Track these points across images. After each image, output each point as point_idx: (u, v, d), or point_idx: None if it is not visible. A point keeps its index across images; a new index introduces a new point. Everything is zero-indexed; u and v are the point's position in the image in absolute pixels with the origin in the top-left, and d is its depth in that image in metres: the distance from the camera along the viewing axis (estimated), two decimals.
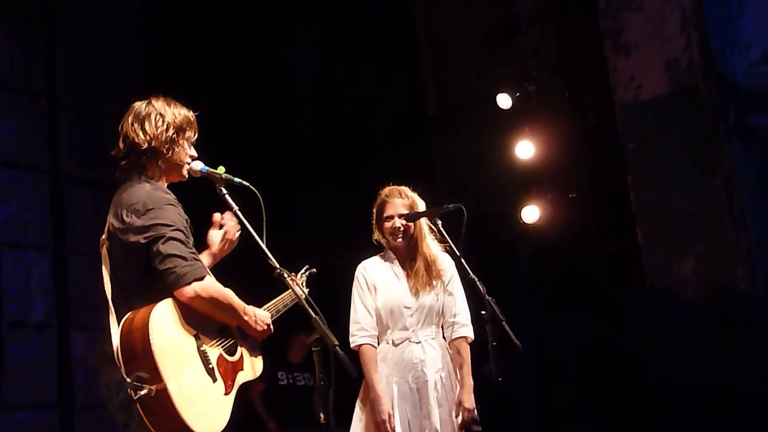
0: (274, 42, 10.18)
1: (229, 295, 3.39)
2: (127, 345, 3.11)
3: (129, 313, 3.17)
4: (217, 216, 3.76)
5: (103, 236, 3.41)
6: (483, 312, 4.08)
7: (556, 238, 8.43)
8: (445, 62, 9.88)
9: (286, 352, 8.43)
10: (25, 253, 6.63)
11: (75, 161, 7.07)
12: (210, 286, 3.29)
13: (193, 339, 3.26)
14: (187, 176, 3.57)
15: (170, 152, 3.47)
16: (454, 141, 9.62)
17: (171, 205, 3.35)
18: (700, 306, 6.06)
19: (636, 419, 5.32)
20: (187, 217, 3.40)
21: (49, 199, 6.90)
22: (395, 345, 4.49)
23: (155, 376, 3.05)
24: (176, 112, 3.50)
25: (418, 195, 4.65)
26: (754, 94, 6.85)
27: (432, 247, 4.60)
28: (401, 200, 4.57)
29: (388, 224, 4.57)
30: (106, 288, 3.30)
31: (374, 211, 4.65)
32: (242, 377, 3.48)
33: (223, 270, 3.65)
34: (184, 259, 3.22)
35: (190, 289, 3.20)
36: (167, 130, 3.45)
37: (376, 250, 4.72)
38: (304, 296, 3.46)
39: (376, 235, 4.67)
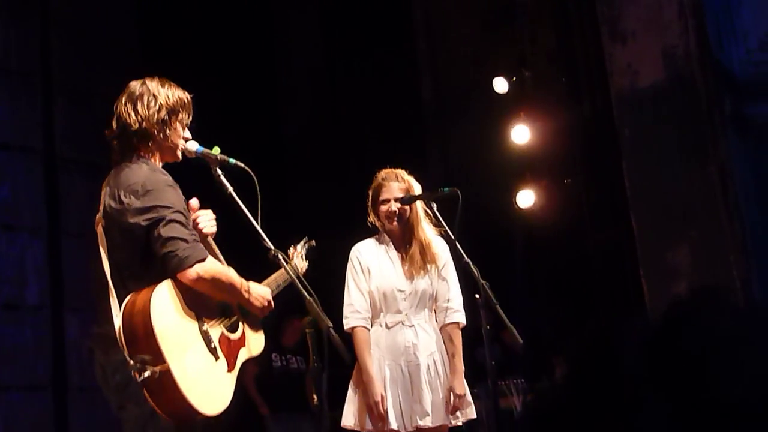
0: (269, 29, 10.15)
1: (230, 274, 3.39)
2: (129, 328, 3.11)
3: (129, 296, 3.17)
4: (193, 202, 3.57)
5: (99, 215, 3.39)
6: (477, 296, 4.08)
7: (550, 224, 8.45)
8: (441, 49, 9.87)
9: (278, 336, 8.44)
10: (20, 234, 6.63)
11: (69, 143, 7.05)
12: (212, 267, 3.28)
13: (194, 319, 3.27)
14: (181, 157, 3.55)
15: (161, 134, 3.44)
16: (450, 127, 9.62)
17: (170, 186, 3.34)
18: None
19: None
20: (185, 198, 3.40)
21: (44, 181, 6.89)
22: (388, 328, 4.49)
23: (158, 358, 3.05)
24: (170, 94, 3.47)
25: (414, 179, 4.65)
26: (750, 83, 6.83)
27: (427, 231, 4.59)
28: (398, 184, 4.56)
29: (383, 208, 4.56)
30: (105, 268, 3.29)
31: (370, 193, 4.65)
32: (244, 354, 3.50)
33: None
34: (186, 241, 3.22)
35: (193, 272, 3.20)
36: (159, 111, 3.42)
37: (370, 235, 4.72)
38: (297, 273, 3.46)
39: (371, 218, 4.66)
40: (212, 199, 3.60)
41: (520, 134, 8.71)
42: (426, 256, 4.55)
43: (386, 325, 4.50)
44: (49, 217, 6.84)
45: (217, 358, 3.31)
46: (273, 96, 10.11)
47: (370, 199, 4.65)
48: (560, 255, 8.55)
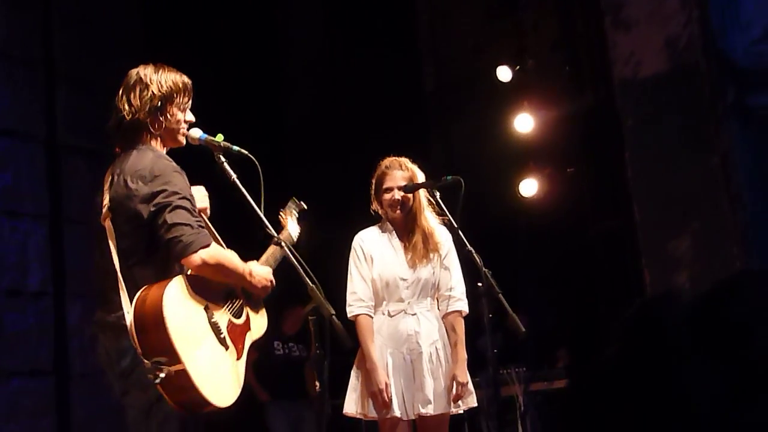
0: (272, 18, 10.13)
1: (233, 259, 3.40)
2: (141, 326, 3.11)
3: (140, 293, 3.16)
4: None
5: (105, 209, 3.39)
6: (479, 284, 4.09)
7: (553, 213, 8.46)
8: (444, 38, 9.86)
9: (281, 324, 8.45)
10: (22, 221, 6.63)
11: (72, 131, 7.05)
12: (215, 252, 3.28)
13: (203, 312, 3.28)
14: (184, 142, 3.55)
15: (156, 123, 3.43)
16: (452, 117, 9.62)
17: (176, 172, 3.34)
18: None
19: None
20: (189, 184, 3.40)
21: (46, 169, 6.89)
22: (390, 316, 4.50)
23: (173, 357, 3.06)
24: (162, 80, 3.45)
25: (418, 168, 4.65)
26: (753, 73, 6.82)
27: (430, 219, 4.60)
28: (401, 172, 4.56)
29: (387, 196, 4.56)
30: (114, 261, 3.29)
31: (373, 181, 4.65)
32: (250, 338, 3.52)
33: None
34: (191, 227, 3.22)
35: (197, 257, 3.20)
36: (152, 100, 3.40)
37: (372, 223, 4.72)
38: (300, 260, 3.47)
39: (374, 206, 4.66)
40: (215, 185, 3.61)
41: (523, 123, 8.71)
42: (429, 245, 4.55)
43: (389, 313, 4.51)
44: (51, 203, 6.85)
45: (227, 347, 3.33)
46: (275, 84, 10.10)
47: (373, 187, 4.65)
48: (562, 244, 8.56)
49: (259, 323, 3.60)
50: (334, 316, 3.32)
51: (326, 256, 4.99)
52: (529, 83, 8.75)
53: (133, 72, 3.48)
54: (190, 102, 3.54)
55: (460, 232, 4.23)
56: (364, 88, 9.57)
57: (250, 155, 3.55)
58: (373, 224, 4.70)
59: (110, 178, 3.41)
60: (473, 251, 4.15)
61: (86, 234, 5.63)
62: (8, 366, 6.36)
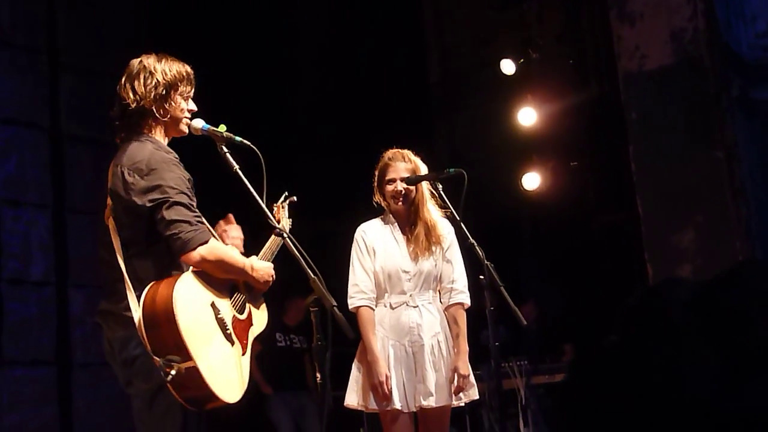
0: (276, 8, 10.11)
1: (233, 254, 3.41)
2: (151, 324, 3.12)
3: (148, 289, 3.17)
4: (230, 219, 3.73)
5: (107, 208, 3.39)
6: (481, 277, 4.08)
7: (556, 206, 8.45)
8: (448, 29, 9.84)
9: (282, 316, 8.46)
10: (25, 210, 6.64)
11: (75, 119, 7.06)
12: (215, 248, 3.29)
13: (210, 309, 3.30)
14: (186, 131, 3.55)
15: (161, 110, 3.44)
16: (457, 109, 9.61)
17: (175, 165, 3.34)
18: None
19: None
20: (190, 176, 3.40)
21: (49, 157, 6.89)
22: (392, 308, 4.50)
23: (184, 355, 3.08)
24: (167, 69, 3.46)
25: (421, 160, 4.63)
26: (758, 66, 6.81)
27: (432, 212, 4.58)
28: (404, 164, 4.55)
29: (389, 187, 4.55)
30: (118, 257, 3.28)
31: (376, 173, 4.63)
32: (252, 333, 3.54)
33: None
34: (189, 224, 3.23)
35: (196, 254, 3.21)
36: (156, 87, 3.41)
37: (375, 215, 4.72)
38: (301, 251, 3.47)
39: (377, 198, 4.65)
40: (218, 176, 3.61)
41: (527, 116, 8.69)
42: (431, 237, 4.54)
43: (391, 305, 4.50)
44: (54, 193, 6.86)
45: (232, 343, 3.35)
46: (279, 75, 10.09)
47: (376, 178, 4.64)
48: (566, 237, 8.55)
49: (260, 318, 3.63)
50: (335, 308, 3.32)
51: (328, 247, 4.98)
52: (533, 76, 8.73)
53: (136, 61, 3.49)
54: (193, 92, 3.55)
55: (463, 225, 4.22)
56: (369, 78, 9.56)
57: (252, 146, 3.54)
58: (375, 216, 4.69)
59: (112, 169, 3.41)
60: (475, 244, 4.14)
61: (89, 224, 5.64)
62: (10, 355, 6.38)
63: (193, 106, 3.55)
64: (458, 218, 4.25)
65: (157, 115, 3.43)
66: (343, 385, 4.56)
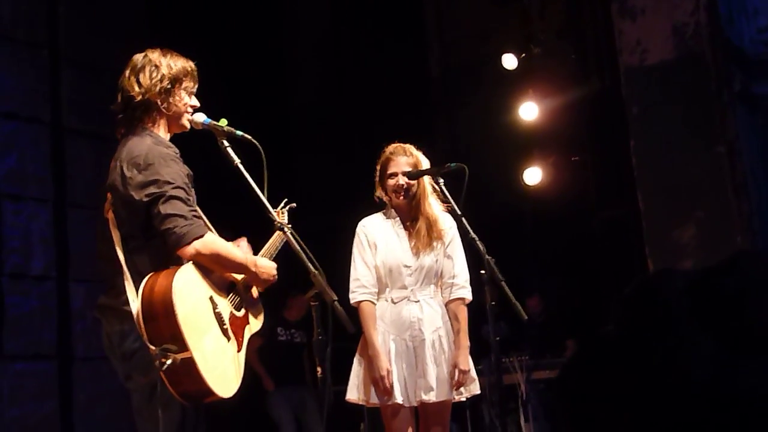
0: (278, 3, 10.11)
1: (230, 249, 3.40)
2: (149, 314, 3.12)
3: (147, 280, 3.17)
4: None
5: (107, 202, 3.39)
6: (482, 271, 4.08)
7: (557, 201, 8.44)
8: (450, 23, 9.83)
9: (283, 310, 8.47)
10: (26, 204, 6.63)
11: (76, 114, 7.05)
12: (211, 242, 3.29)
13: (208, 302, 3.30)
14: (188, 127, 3.55)
15: (165, 103, 3.45)
16: (458, 103, 9.60)
17: (172, 160, 3.34)
18: None
19: None
20: (189, 171, 3.40)
21: (50, 152, 6.89)
22: (394, 303, 4.50)
23: (180, 345, 3.07)
24: (172, 63, 3.48)
25: (422, 154, 4.63)
26: (760, 61, 6.81)
27: (434, 206, 4.58)
28: (406, 158, 4.54)
29: (391, 182, 4.55)
30: (117, 250, 3.29)
31: (377, 167, 4.63)
32: (248, 331, 3.54)
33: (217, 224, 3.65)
34: (184, 218, 3.22)
35: (192, 248, 3.21)
36: (162, 81, 3.42)
37: (376, 210, 4.71)
38: (303, 246, 3.47)
39: (379, 192, 4.65)
40: (219, 170, 3.60)
41: (528, 111, 8.69)
42: (432, 232, 4.54)
43: (392, 300, 4.50)
44: (55, 187, 6.85)
45: (228, 339, 3.35)
46: (280, 69, 10.09)
47: (377, 173, 4.64)
48: (566, 232, 8.55)
49: (256, 321, 3.63)
50: (336, 302, 3.32)
51: (329, 242, 4.98)
52: (534, 71, 8.73)
53: (140, 55, 3.50)
54: (196, 87, 3.55)
55: (464, 220, 4.21)
56: (370, 73, 9.55)
57: (253, 140, 3.54)
58: (377, 211, 4.69)
59: (112, 163, 3.42)
60: (476, 239, 4.14)
61: (90, 218, 5.63)
62: (11, 349, 6.38)
63: (195, 102, 3.56)
64: (459, 213, 4.24)
65: (161, 108, 3.44)
66: (343, 380, 4.57)
